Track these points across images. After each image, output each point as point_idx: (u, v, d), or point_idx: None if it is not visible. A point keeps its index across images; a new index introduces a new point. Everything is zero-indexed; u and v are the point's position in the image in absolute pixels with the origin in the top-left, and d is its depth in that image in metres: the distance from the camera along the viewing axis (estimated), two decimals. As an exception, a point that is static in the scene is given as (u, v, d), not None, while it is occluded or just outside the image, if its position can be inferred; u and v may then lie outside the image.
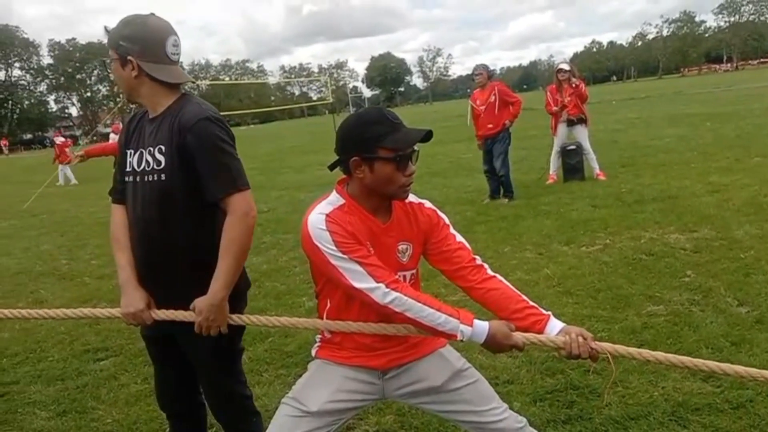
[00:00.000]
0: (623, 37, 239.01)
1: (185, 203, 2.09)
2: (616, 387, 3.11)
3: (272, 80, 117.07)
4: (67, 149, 20.19)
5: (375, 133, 1.84)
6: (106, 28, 2.18)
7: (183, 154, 2.05)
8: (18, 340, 4.74)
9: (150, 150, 2.10)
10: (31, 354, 4.46)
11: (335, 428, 2.00)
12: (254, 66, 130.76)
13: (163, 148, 2.08)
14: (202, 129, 2.05)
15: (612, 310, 4.17)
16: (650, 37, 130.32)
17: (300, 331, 4.10)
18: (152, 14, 2.15)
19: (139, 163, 2.13)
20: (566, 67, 9.44)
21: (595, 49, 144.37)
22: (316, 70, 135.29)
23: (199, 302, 2.05)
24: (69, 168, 19.07)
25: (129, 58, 2.07)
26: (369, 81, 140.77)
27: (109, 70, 2.17)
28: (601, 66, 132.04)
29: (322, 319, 2.06)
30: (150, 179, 2.10)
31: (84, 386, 3.81)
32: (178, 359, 2.33)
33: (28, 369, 4.19)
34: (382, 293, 1.82)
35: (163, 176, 2.07)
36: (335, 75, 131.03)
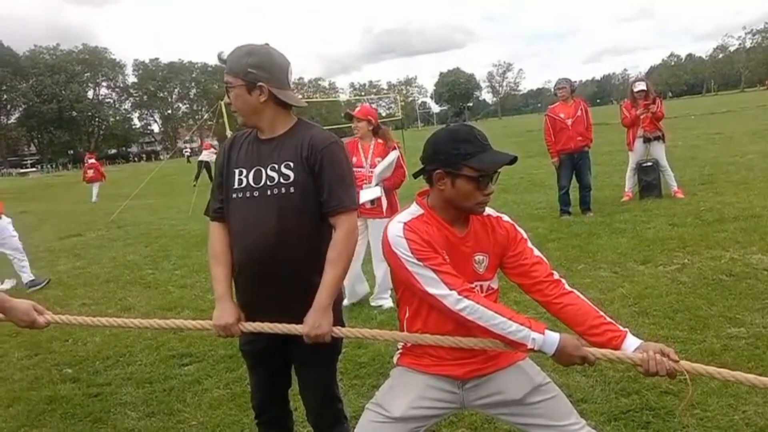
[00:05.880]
0: (703, 50, 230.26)
1: (306, 214, 2.27)
2: (694, 409, 3.05)
3: (343, 97, 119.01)
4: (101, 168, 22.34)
5: (464, 150, 1.94)
6: (220, 56, 2.34)
7: (311, 171, 2.25)
8: (109, 345, 5.05)
9: (273, 166, 2.28)
10: (121, 358, 4.75)
11: None
12: (326, 84, 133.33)
13: (291, 164, 2.26)
14: (333, 151, 2.28)
15: (690, 331, 4.08)
16: (732, 49, 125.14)
17: (372, 342, 4.21)
18: (267, 44, 2.33)
19: (258, 180, 2.29)
20: (643, 87, 9.20)
21: (672, 63, 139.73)
22: (385, 86, 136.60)
23: (309, 313, 2.19)
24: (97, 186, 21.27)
25: (259, 84, 2.24)
26: (438, 97, 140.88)
27: (228, 96, 2.33)
28: (679, 80, 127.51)
29: (402, 325, 2.15)
30: (275, 192, 2.26)
31: (170, 389, 4.02)
32: (272, 368, 2.48)
33: (119, 372, 4.46)
34: (454, 300, 1.89)
35: (291, 189, 2.25)
36: (404, 91, 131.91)
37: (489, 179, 1.97)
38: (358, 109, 5.68)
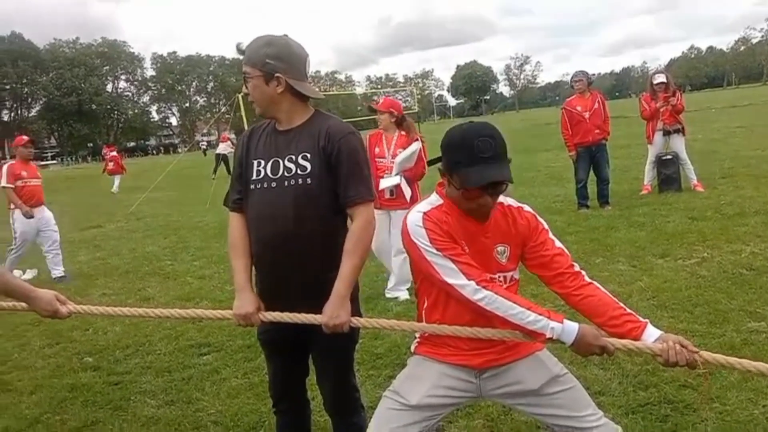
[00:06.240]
0: (724, 42, 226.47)
1: (324, 205, 2.28)
2: (713, 403, 3.03)
3: (359, 90, 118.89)
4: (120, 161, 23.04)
5: (454, 158, 1.94)
6: (239, 47, 2.35)
7: (329, 162, 2.26)
8: (128, 334, 5.12)
9: (291, 157, 2.29)
10: (141, 347, 4.81)
11: (434, 422, 2.09)
12: (342, 77, 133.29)
13: (308, 155, 2.27)
14: (350, 142, 2.28)
15: (709, 325, 4.04)
16: (754, 41, 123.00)
17: (389, 333, 4.23)
18: (286, 35, 2.33)
19: (276, 171, 2.30)
20: (663, 79, 9.10)
21: (693, 55, 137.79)
22: (401, 79, 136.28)
23: (327, 304, 2.20)
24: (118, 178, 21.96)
25: (277, 75, 2.24)
26: (454, 90, 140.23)
27: (246, 86, 2.33)
28: (699, 72, 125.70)
29: (420, 315, 2.16)
30: (292, 183, 2.27)
31: (189, 378, 4.08)
32: (289, 357, 2.50)
33: (138, 361, 4.52)
34: (472, 290, 1.90)
35: (308, 180, 2.26)
36: (421, 84, 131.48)
37: (480, 192, 1.93)
38: (381, 101, 5.74)
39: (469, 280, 1.90)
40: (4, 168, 7.49)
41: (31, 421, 3.64)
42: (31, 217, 7.37)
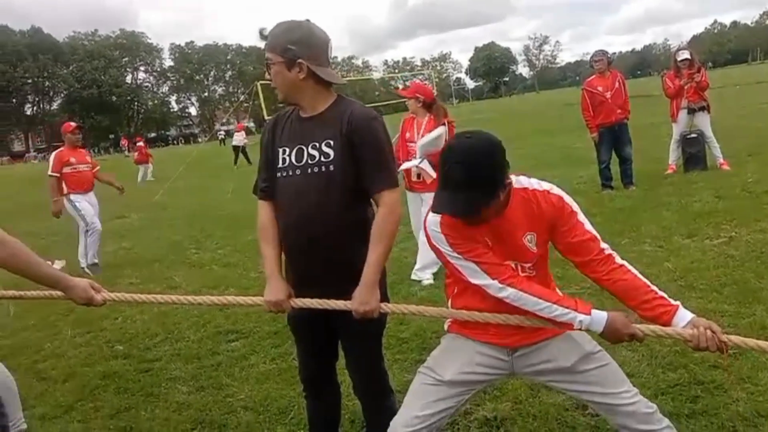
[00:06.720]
0: (748, 17, 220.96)
1: (347, 191, 2.27)
2: (744, 384, 3.01)
3: (376, 75, 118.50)
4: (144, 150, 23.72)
5: (441, 174, 1.94)
6: (261, 32, 2.35)
7: (352, 148, 2.25)
8: (157, 322, 5.19)
9: (314, 144, 2.29)
10: (169, 335, 4.88)
11: (467, 398, 2.13)
12: (359, 62, 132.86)
13: (331, 142, 2.26)
14: (373, 128, 2.27)
15: (738, 305, 3.99)
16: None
17: (414, 318, 4.24)
18: (308, 20, 2.32)
19: (300, 158, 2.31)
20: (687, 56, 8.92)
21: (716, 30, 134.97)
22: (419, 63, 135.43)
23: (356, 290, 2.22)
24: (151, 167, 22.73)
25: (299, 61, 2.23)
26: (473, 72, 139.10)
27: (268, 72, 2.33)
28: (723, 48, 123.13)
29: (449, 300, 2.20)
30: (315, 171, 2.28)
31: (218, 365, 4.13)
32: (318, 340, 2.52)
33: (168, 348, 4.59)
34: (496, 288, 1.94)
35: (331, 167, 2.26)
36: (438, 67, 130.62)
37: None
38: (408, 87, 5.83)
39: (492, 279, 1.94)
40: (52, 155, 7.58)
41: (66, 408, 3.72)
42: (57, 216, 7.50)
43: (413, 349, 3.95)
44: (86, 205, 7.49)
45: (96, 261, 7.62)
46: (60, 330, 5.30)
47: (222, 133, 46.38)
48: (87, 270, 7.26)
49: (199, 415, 3.44)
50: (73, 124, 7.85)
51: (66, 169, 7.40)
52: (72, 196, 7.43)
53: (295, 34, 2.24)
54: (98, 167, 7.99)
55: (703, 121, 8.95)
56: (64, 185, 7.43)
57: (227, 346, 4.47)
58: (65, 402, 3.81)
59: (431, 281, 5.37)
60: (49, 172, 7.42)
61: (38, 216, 13.04)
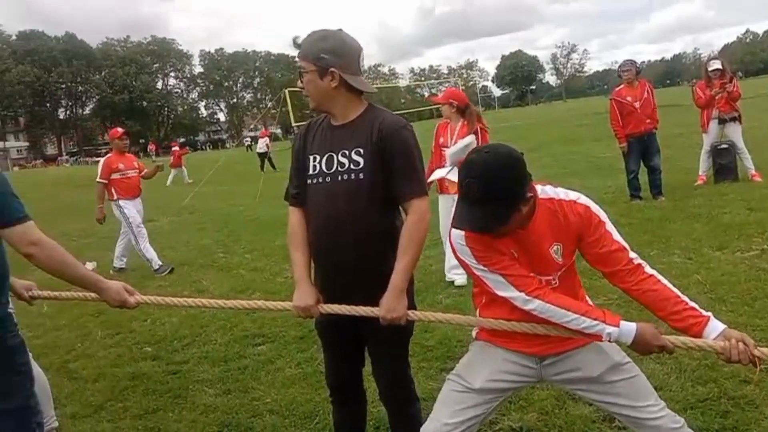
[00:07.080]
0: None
1: (376, 199, 2.30)
2: (778, 399, 2.95)
3: (402, 83, 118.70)
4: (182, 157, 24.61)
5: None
6: (295, 40, 2.38)
7: (382, 156, 2.28)
8: (185, 325, 5.26)
9: (345, 152, 2.32)
10: (197, 338, 4.94)
11: (496, 405, 2.14)
12: (386, 70, 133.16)
13: (361, 150, 2.30)
14: (404, 137, 2.30)
15: (771, 319, 3.92)
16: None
17: (439, 326, 4.24)
18: (340, 29, 2.36)
19: (330, 165, 2.35)
20: (719, 65, 8.79)
21: (749, 39, 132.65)
22: (445, 71, 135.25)
23: (384, 297, 2.24)
24: (185, 170, 23.52)
25: (331, 69, 2.27)
26: (499, 80, 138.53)
27: (301, 80, 2.36)
28: (756, 58, 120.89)
29: (476, 310, 2.20)
30: (344, 178, 2.31)
31: (245, 368, 4.17)
32: (349, 346, 2.54)
33: (195, 351, 4.65)
34: (522, 300, 1.94)
35: (361, 175, 2.29)
36: (465, 75, 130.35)
37: None
38: (441, 94, 5.88)
39: (519, 291, 1.94)
40: (101, 162, 7.74)
41: (96, 408, 3.79)
42: (101, 222, 7.72)
43: (438, 357, 3.95)
44: (134, 212, 7.62)
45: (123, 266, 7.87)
46: (90, 331, 5.40)
47: (248, 139, 46.86)
48: (114, 272, 7.44)
49: (226, 417, 3.48)
50: (120, 130, 8.00)
51: (115, 176, 7.55)
52: (121, 202, 7.57)
53: (327, 42, 2.28)
54: (145, 170, 8.08)
55: (735, 132, 8.81)
56: (113, 191, 7.57)
57: (254, 349, 4.52)
58: (95, 402, 3.88)
59: (464, 281, 5.40)
60: (98, 179, 7.58)
61: (71, 218, 13.34)
